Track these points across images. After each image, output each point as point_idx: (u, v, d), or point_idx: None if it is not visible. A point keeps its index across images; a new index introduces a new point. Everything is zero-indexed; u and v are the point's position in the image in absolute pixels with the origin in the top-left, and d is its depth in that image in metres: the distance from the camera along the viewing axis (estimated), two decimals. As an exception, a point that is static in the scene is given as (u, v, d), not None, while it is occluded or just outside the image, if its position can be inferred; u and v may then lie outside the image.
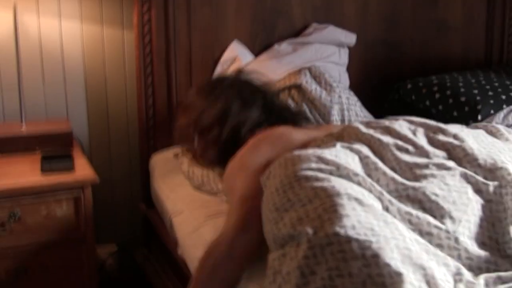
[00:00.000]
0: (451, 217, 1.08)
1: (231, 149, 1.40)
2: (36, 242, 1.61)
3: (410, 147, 1.24)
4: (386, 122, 1.35)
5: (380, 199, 1.10)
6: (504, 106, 2.03)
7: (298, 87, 1.85)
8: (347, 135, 1.31)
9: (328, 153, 1.18)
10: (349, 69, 2.16)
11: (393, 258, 0.94)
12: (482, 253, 1.06)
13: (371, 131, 1.30)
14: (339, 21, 2.16)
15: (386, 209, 1.08)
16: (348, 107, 1.86)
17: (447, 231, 1.06)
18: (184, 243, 1.50)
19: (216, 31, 1.99)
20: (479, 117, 1.97)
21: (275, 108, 1.56)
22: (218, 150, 1.48)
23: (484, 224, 1.10)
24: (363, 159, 1.20)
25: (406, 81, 2.17)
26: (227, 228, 1.22)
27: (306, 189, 1.09)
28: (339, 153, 1.19)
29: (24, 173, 1.65)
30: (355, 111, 1.88)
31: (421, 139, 1.28)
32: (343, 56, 2.14)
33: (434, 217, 1.08)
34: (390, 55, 2.31)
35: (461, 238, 1.06)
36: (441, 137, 1.28)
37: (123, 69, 2.07)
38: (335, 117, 1.82)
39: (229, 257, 1.17)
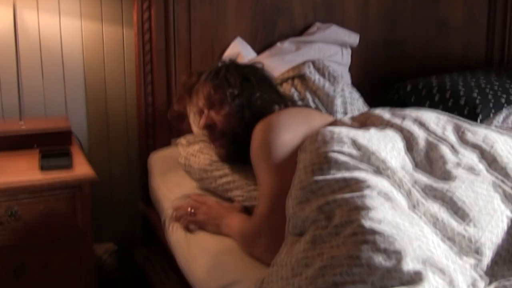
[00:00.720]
0: (475, 226, 1.07)
1: (251, 123, 1.38)
2: (34, 240, 1.61)
3: (440, 144, 1.23)
4: (413, 112, 1.34)
5: (408, 197, 1.10)
6: (504, 108, 2.03)
7: (302, 77, 1.84)
8: (371, 123, 1.30)
9: (362, 136, 1.17)
10: (350, 68, 2.16)
11: (414, 258, 0.95)
12: (499, 264, 1.05)
13: (399, 120, 1.28)
14: (339, 20, 2.17)
15: (413, 207, 1.08)
16: (351, 101, 1.85)
17: (470, 240, 1.06)
18: (179, 245, 1.48)
19: (216, 28, 1.99)
20: (479, 119, 1.97)
21: (280, 93, 1.57)
22: (238, 124, 1.46)
23: (506, 237, 1.09)
24: (395, 149, 1.18)
25: (406, 82, 2.17)
26: (257, 220, 1.24)
27: (335, 175, 1.09)
28: (372, 138, 1.18)
29: (22, 170, 1.65)
30: (357, 107, 1.87)
31: (451, 137, 1.27)
32: (346, 56, 2.14)
33: (459, 223, 1.08)
34: (390, 54, 2.31)
35: (482, 249, 1.05)
36: (470, 138, 1.27)
37: (122, 67, 2.07)
38: (338, 107, 1.80)
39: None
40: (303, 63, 1.88)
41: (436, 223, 1.06)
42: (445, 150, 1.21)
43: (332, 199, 1.05)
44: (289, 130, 1.29)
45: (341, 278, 0.93)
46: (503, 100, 2.05)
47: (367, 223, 0.98)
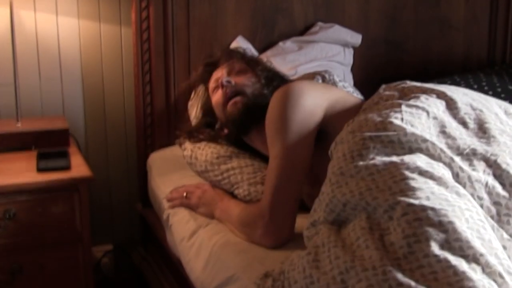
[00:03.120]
0: None
1: (271, 91, 1.41)
2: (31, 241, 1.61)
3: (485, 110, 1.23)
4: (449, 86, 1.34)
5: (450, 166, 1.10)
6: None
7: None
8: (408, 91, 1.28)
9: (394, 117, 1.16)
10: (351, 68, 2.17)
11: (469, 228, 0.96)
12: None
13: (441, 88, 1.28)
14: (340, 19, 2.17)
15: (457, 175, 1.09)
16: None
17: None
18: (180, 246, 1.48)
19: (215, 27, 1.99)
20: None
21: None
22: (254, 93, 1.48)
23: None
24: (431, 118, 1.18)
25: None
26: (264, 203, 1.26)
27: (375, 159, 1.09)
28: (405, 116, 1.17)
29: (19, 170, 1.65)
30: None
31: (495, 107, 1.27)
32: (348, 56, 2.14)
33: (503, 185, 1.08)
34: (391, 54, 2.31)
35: None
36: None
37: (120, 66, 2.07)
38: None
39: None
40: (313, 76, 1.85)
41: (481, 188, 1.07)
42: (490, 116, 1.22)
43: (374, 185, 1.05)
44: (309, 98, 1.29)
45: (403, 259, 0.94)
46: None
47: (416, 202, 0.99)
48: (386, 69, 2.30)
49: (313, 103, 1.30)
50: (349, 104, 1.38)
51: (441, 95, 1.25)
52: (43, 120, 1.93)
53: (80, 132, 2.06)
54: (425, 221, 0.96)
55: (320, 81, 1.83)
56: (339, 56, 2.11)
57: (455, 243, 0.94)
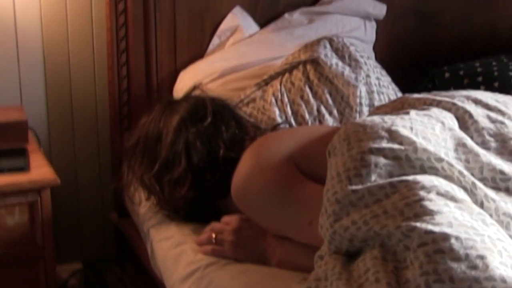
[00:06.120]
0: None
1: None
2: (-19, 259, 1.62)
3: (506, 121, 1.22)
4: (461, 92, 1.33)
5: (472, 192, 1.08)
6: None
7: (316, 62, 1.83)
8: (409, 106, 1.29)
9: (401, 125, 1.16)
10: (374, 46, 2.16)
11: (502, 263, 0.94)
12: None
13: (446, 98, 1.28)
14: (360, -15, 2.17)
15: (481, 205, 1.07)
16: (378, 90, 1.83)
17: None
18: (163, 266, 1.49)
19: (207, -4, 1.99)
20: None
21: (245, 122, 1.58)
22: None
23: None
24: (446, 129, 1.18)
25: (443, 67, 2.16)
26: None
27: (378, 181, 1.08)
28: (415, 124, 1.17)
29: (-34, 173, 1.65)
30: (387, 95, 1.84)
31: None
32: (370, 32, 2.14)
33: None
34: (422, 29, 2.30)
35: None
36: None
37: (91, 45, 2.06)
38: (363, 99, 1.78)
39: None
40: (318, 42, 1.87)
41: (510, 224, 1.05)
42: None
43: (380, 211, 1.05)
44: (274, 156, 1.31)
45: None
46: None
47: (435, 228, 0.97)
48: (415, 47, 2.29)
49: (278, 158, 1.31)
50: (315, 135, 1.38)
51: (447, 107, 1.25)
52: (-4, 110, 1.92)
53: (41, 125, 2.05)
54: (448, 253, 0.94)
55: (328, 48, 1.83)
56: (359, 31, 2.10)
57: (487, 283, 0.91)
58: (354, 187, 1.09)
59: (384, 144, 1.12)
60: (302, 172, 1.30)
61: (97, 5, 2.04)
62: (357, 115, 1.75)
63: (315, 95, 1.79)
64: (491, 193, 1.09)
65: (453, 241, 0.95)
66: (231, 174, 1.36)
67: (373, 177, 1.09)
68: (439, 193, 1.04)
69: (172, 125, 1.49)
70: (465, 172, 1.11)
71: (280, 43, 1.95)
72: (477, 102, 1.29)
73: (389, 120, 1.18)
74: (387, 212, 1.04)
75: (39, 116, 2.04)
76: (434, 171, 1.10)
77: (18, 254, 1.63)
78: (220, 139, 1.48)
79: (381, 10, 2.15)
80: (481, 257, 0.93)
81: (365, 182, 1.09)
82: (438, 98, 1.30)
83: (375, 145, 1.13)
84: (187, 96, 1.64)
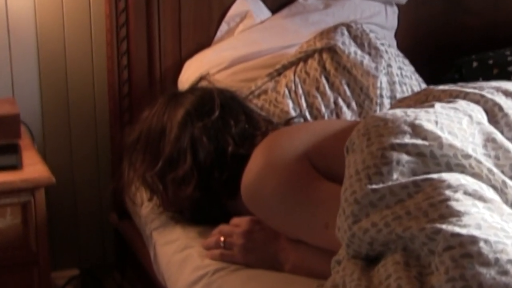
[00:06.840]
0: None
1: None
2: (-30, 264, 1.63)
3: None
4: (490, 83, 1.34)
5: (502, 191, 1.09)
6: None
7: (332, 50, 1.84)
8: (434, 99, 1.30)
9: (426, 119, 1.16)
10: (395, 33, 2.17)
11: None
12: None
13: (474, 90, 1.28)
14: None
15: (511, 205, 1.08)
16: (401, 81, 1.84)
17: None
18: (168, 271, 1.50)
19: (215, -21, 2.00)
20: None
21: (256, 116, 1.60)
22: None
23: None
24: (474, 123, 1.18)
25: (471, 56, 2.17)
26: None
27: (400, 180, 1.09)
28: (440, 118, 1.17)
29: (-46, 170, 1.67)
30: (410, 86, 1.85)
31: None
32: (391, 17, 2.14)
33: None
34: (449, 14, 2.30)
35: None
36: None
37: (88, 32, 2.06)
38: (384, 91, 1.79)
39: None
40: (335, 28, 1.88)
41: None
42: None
43: (403, 212, 1.04)
44: (288, 150, 1.32)
45: None
46: None
47: (463, 231, 0.97)
48: (441, 35, 2.30)
49: (293, 154, 1.33)
50: (331, 131, 1.40)
51: (475, 99, 1.26)
52: (-14, 103, 1.94)
53: (35, 119, 2.05)
54: (476, 258, 0.94)
55: (346, 35, 1.86)
56: (379, 17, 2.10)
57: None
58: (374, 186, 1.09)
59: (407, 140, 1.13)
60: (318, 170, 1.31)
61: (95, -11, 2.06)
62: (378, 108, 1.76)
63: (331, 86, 1.79)
64: None
65: (481, 244, 0.95)
66: (241, 173, 1.37)
67: (395, 176, 1.09)
68: (466, 193, 1.04)
69: (176, 119, 1.50)
70: (495, 170, 1.11)
71: (294, 30, 1.95)
72: (507, 94, 1.28)
73: (412, 113, 1.18)
74: (410, 213, 1.04)
75: (32, 109, 2.04)
76: (461, 169, 1.10)
77: (9, 259, 1.64)
78: (229, 134, 1.49)
79: (403, -7, 2.18)
80: None
81: (386, 180, 1.09)
82: (466, 89, 1.30)
83: (397, 141, 1.13)
84: (193, 88, 1.65)
